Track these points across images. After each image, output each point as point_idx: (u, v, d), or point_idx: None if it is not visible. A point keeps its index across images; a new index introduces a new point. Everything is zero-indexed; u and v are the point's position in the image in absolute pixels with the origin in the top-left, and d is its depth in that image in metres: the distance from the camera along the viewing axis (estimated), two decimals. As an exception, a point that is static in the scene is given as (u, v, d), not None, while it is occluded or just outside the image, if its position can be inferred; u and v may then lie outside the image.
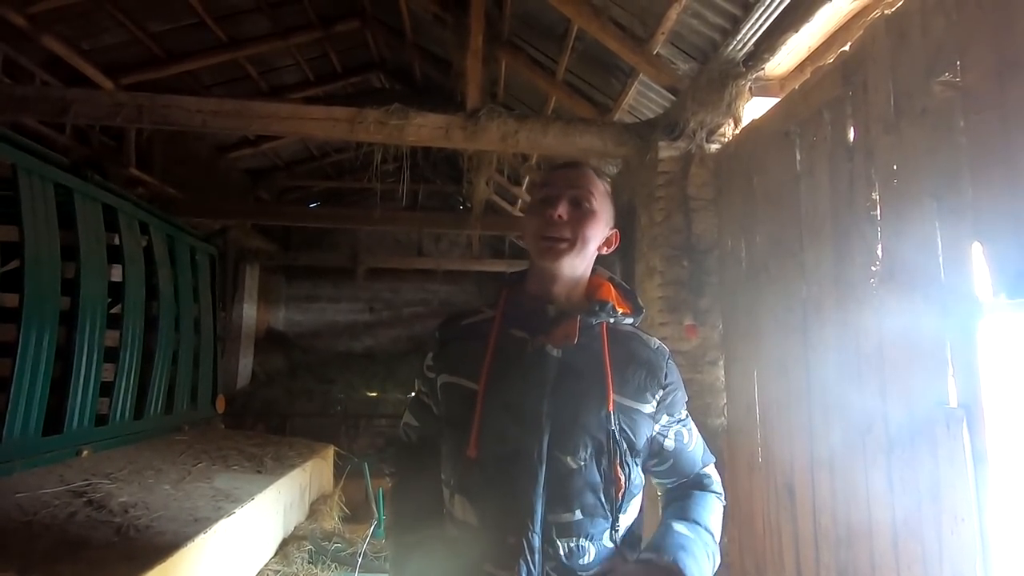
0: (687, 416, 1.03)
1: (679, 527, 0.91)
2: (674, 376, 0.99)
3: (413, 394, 1.04)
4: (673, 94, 3.09)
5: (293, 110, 3.14)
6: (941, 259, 1.48)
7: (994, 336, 1.36)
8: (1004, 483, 1.32)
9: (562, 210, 0.90)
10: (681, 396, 1.01)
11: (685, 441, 1.01)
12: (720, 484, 1.04)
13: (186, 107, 3.02)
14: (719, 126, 2.80)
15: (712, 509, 0.98)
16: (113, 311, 2.47)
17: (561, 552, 0.84)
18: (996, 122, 1.35)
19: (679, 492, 1.00)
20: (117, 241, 2.46)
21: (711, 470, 1.04)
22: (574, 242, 0.91)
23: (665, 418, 0.98)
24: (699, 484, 1.02)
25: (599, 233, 0.94)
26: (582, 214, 0.92)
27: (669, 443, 0.98)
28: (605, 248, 0.97)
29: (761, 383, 2.40)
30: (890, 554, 1.60)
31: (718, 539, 0.95)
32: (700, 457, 1.03)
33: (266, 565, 1.84)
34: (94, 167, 2.79)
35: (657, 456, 0.98)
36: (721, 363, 2.78)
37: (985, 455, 1.33)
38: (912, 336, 1.56)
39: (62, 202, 2.08)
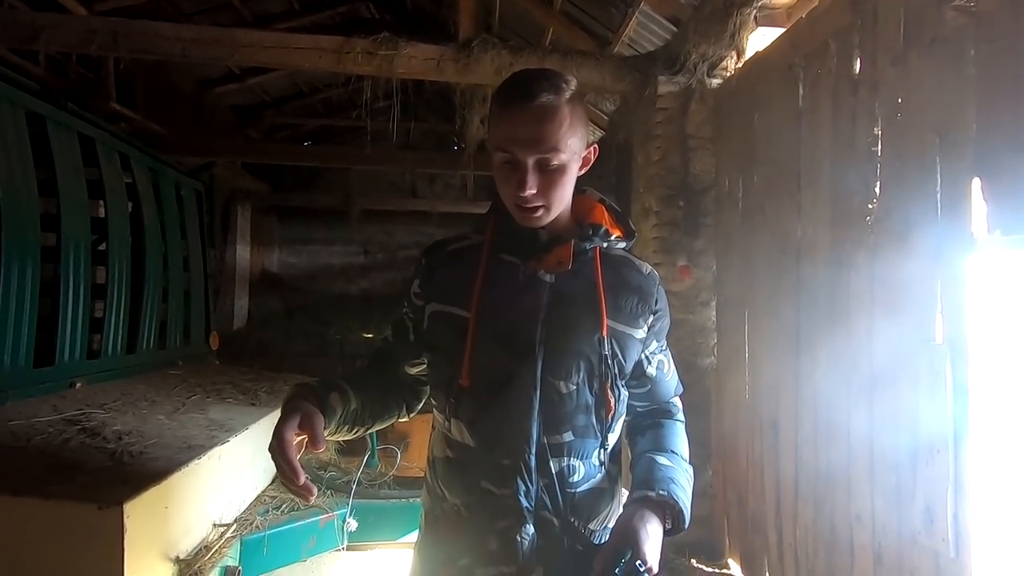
0: (667, 345, 1.04)
1: (660, 459, 0.93)
2: (664, 302, 0.99)
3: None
4: (675, 25, 2.95)
5: (277, 39, 2.99)
6: (939, 196, 1.46)
7: (986, 272, 1.36)
8: (982, 415, 1.35)
9: (531, 183, 0.83)
10: (667, 323, 1.01)
11: (665, 370, 1.02)
12: (683, 412, 1.06)
13: (164, 34, 2.88)
14: (721, 59, 2.69)
15: (681, 436, 1.01)
16: (101, 248, 2.43)
17: (553, 471, 0.87)
18: (1008, 51, 1.30)
19: (648, 419, 1.02)
20: (99, 177, 2.40)
21: (678, 400, 1.07)
22: (549, 207, 0.87)
23: (653, 344, 0.99)
24: (667, 412, 1.04)
25: (574, 176, 0.89)
26: (551, 179, 0.85)
27: (651, 370, 1.00)
28: (583, 168, 0.92)
29: (752, 324, 2.42)
30: (866, 484, 1.66)
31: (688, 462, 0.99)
32: (674, 387, 1.05)
33: (263, 492, 1.90)
34: (74, 100, 2.68)
35: (637, 380, 0.99)
36: (713, 304, 2.79)
37: (966, 389, 1.36)
38: (903, 274, 1.55)
39: (35, 134, 2.00)
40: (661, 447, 0.96)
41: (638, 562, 0.78)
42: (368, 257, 8.71)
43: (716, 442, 2.64)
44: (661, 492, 0.86)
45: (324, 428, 0.84)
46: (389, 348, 1.03)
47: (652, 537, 0.81)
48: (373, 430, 1.00)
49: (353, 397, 0.92)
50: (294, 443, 0.79)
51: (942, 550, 1.38)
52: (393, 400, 1.01)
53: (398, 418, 1.04)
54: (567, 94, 0.86)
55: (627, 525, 0.82)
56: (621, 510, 0.94)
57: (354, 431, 0.94)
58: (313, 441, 0.80)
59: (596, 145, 0.94)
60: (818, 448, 1.91)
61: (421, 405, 1.07)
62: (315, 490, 0.80)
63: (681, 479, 0.91)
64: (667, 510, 0.86)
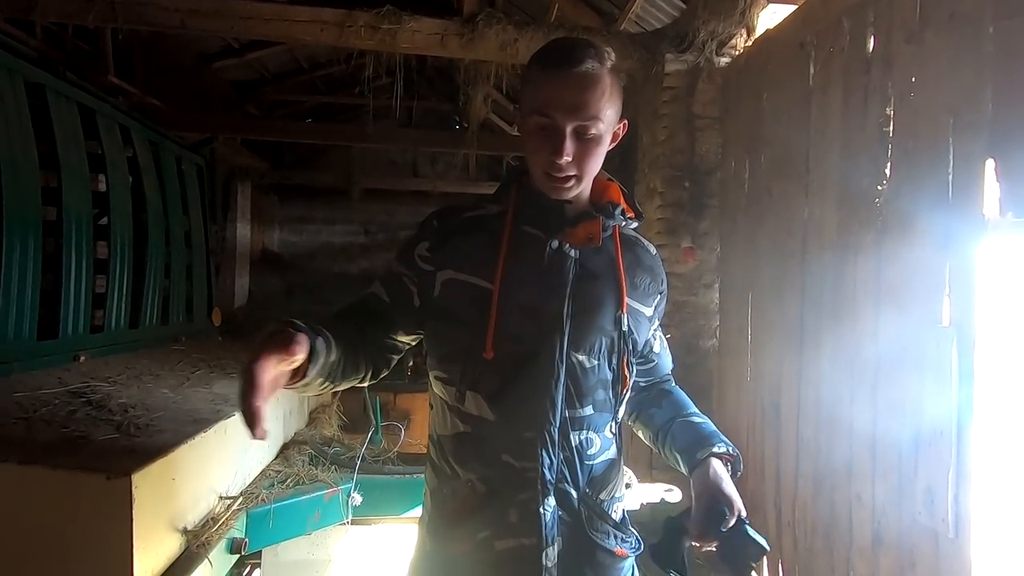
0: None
1: (695, 419, 1.00)
2: (667, 283, 1.02)
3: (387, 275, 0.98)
4: (683, 1, 2.90)
5: (278, 10, 2.94)
6: (951, 178, 1.44)
7: (997, 256, 1.35)
8: (986, 399, 1.35)
9: (568, 150, 0.82)
10: (666, 303, 1.04)
11: (665, 346, 1.07)
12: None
13: (162, 5, 2.83)
14: (730, 37, 2.65)
15: (690, 399, 1.07)
16: (102, 222, 2.42)
17: (573, 444, 0.88)
18: (1027, 29, 1.27)
19: (652, 391, 1.06)
20: (99, 151, 2.37)
21: (670, 375, 1.12)
22: (581, 177, 0.87)
23: (656, 322, 1.02)
24: (667, 382, 1.09)
25: (606, 148, 0.88)
26: (586, 149, 0.84)
27: (656, 346, 1.04)
28: (612, 143, 0.91)
29: (755, 306, 2.42)
30: (867, 465, 1.67)
31: None
32: (669, 363, 1.10)
33: (268, 466, 1.91)
34: (71, 73, 2.63)
35: (644, 357, 1.01)
36: (716, 286, 2.79)
37: (971, 372, 1.36)
38: (912, 257, 1.55)
39: (35, 105, 1.97)
40: (685, 412, 1.01)
41: (742, 516, 0.85)
42: (369, 237, 8.67)
43: (717, 422, 2.64)
44: (720, 446, 0.93)
45: (303, 374, 0.74)
46: (383, 309, 0.95)
47: (733, 487, 0.89)
48: (337, 388, 0.90)
49: (335, 350, 0.81)
50: (273, 365, 0.66)
51: (941, 530, 1.39)
52: (364, 361, 0.91)
53: (359, 383, 0.93)
54: (609, 64, 0.85)
55: (712, 485, 0.88)
56: (626, 479, 0.97)
57: (323, 386, 0.84)
58: (289, 353, 0.68)
59: (626, 121, 0.92)
60: (819, 428, 1.92)
61: (384, 375, 0.98)
62: (266, 433, 0.66)
63: (717, 429, 0.98)
64: (726, 459, 0.93)
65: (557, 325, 0.86)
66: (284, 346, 0.68)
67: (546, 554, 0.85)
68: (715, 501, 0.86)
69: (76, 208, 2.17)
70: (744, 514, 0.86)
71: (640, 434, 1.05)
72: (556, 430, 0.86)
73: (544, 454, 0.86)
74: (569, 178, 0.86)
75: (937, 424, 1.42)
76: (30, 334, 1.85)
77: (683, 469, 0.95)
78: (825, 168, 1.96)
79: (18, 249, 1.81)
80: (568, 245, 0.90)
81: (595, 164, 0.88)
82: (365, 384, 0.95)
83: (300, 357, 0.71)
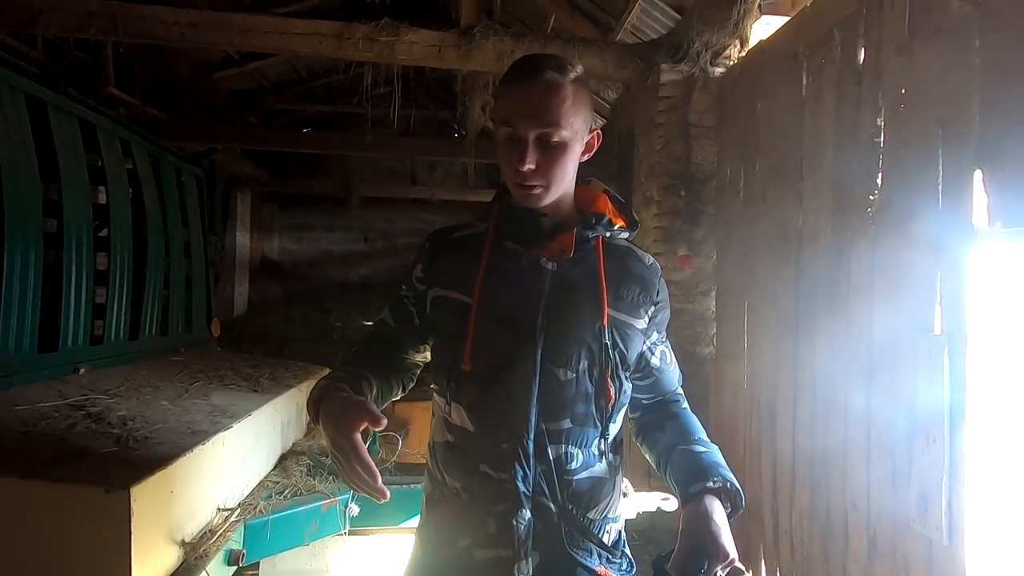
0: (667, 337, 1.04)
1: (697, 448, 0.93)
2: (665, 293, 0.99)
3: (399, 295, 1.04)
4: (679, 12, 2.94)
5: (276, 23, 2.98)
6: (941, 187, 1.46)
7: (986, 265, 1.37)
8: (978, 405, 1.36)
9: (531, 159, 0.84)
10: (667, 314, 1.02)
11: (668, 361, 1.03)
12: (686, 400, 1.07)
13: (162, 18, 2.87)
14: (725, 47, 2.68)
15: (699, 423, 1.01)
16: (102, 234, 2.44)
17: (551, 457, 0.88)
18: (1013, 42, 1.30)
19: (658, 412, 1.02)
20: (99, 163, 2.40)
21: (680, 389, 1.07)
22: (548, 186, 0.88)
23: (655, 335, 0.99)
24: (675, 402, 1.04)
25: (575, 157, 0.90)
26: (551, 156, 0.85)
27: (655, 360, 1.00)
28: (586, 154, 0.92)
29: (751, 312, 2.43)
30: (862, 471, 1.68)
31: None
32: (677, 377, 1.05)
33: (266, 477, 1.92)
34: (72, 84, 2.66)
35: (641, 372, 0.99)
36: (713, 293, 2.81)
37: (963, 380, 1.37)
38: (903, 264, 1.56)
39: (36, 118, 1.99)
40: (689, 439, 0.96)
41: (717, 571, 0.77)
42: (368, 244, 8.71)
43: (714, 430, 2.66)
44: (716, 480, 0.87)
45: None
46: (392, 334, 1.03)
47: (723, 528, 0.82)
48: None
49: (374, 384, 0.94)
50: (361, 440, 0.77)
51: (935, 537, 1.40)
52: (396, 381, 1.02)
53: (394, 398, 1.05)
54: (572, 75, 0.87)
55: (697, 524, 0.82)
56: (621, 498, 0.95)
57: None
58: (377, 422, 0.77)
59: (599, 131, 0.94)
60: (815, 435, 1.93)
61: (411, 386, 1.09)
62: (388, 492, 0.78)
63: (723, 462, 0.92)
64: (724, 495, 0.87)
65: (531, 337, 0.87)
66: (365, 418, 0.77)
67: (519, 567, 0.85)
68: (697, 542, 0.79)
69: (76, 220, 2.18)
70: (727, 561, 0.78)
71: (648, 457, 1.03)
72: (531, 442, 0.87)
73: (518, 466, 0.86)
74: (536, 186, 0.87)
75: (930, 431, 1.43)
76: (31, 347, 1.86)
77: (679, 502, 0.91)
78: (819, 176, 1.98)
79: (19, 261, 1.83)
80: (544, 258, 0.91)
81: (562, 172, 0.88)
82: (399, 398, 1.06)
83: (372, 409, 0.79)
